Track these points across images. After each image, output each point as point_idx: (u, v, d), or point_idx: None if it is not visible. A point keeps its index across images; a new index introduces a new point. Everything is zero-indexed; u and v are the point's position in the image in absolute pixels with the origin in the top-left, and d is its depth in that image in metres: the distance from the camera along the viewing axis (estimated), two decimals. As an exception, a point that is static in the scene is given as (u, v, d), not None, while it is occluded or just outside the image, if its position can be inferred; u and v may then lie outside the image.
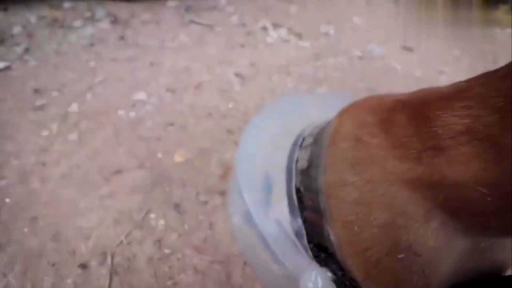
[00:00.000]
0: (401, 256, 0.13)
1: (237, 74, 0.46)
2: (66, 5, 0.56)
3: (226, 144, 0.34)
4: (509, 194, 0.11)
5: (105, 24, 0.52)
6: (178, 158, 0.31)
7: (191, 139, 0.34)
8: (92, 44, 0.46)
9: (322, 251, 0.16)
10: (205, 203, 0.28)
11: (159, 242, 0.24)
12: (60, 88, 0.37)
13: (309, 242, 0.17)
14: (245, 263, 0.24)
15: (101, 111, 0.35)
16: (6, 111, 0.33)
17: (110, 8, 0.57)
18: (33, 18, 0.51)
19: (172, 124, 0.35)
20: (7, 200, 0.26)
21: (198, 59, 0.48)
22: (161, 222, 0.26)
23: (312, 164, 0.18)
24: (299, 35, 0.60)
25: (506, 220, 0.12)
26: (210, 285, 0.22)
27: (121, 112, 0.35)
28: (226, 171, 0.31)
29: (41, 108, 0.34)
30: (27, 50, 0.42)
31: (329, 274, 0.16)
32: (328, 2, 0.79)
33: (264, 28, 0.60)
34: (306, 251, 0.17)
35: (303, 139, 0.21)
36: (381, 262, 0.14)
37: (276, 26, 0.62)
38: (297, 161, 0.19)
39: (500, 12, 1.08)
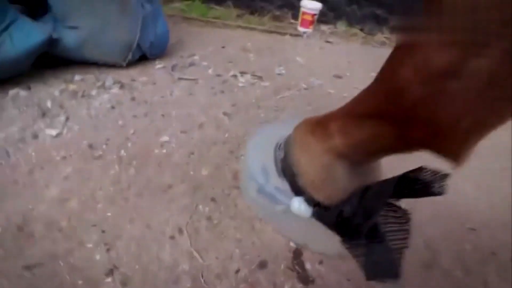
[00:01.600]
0: (325, 180, 0.33)
1: (224, 113, 0.65)
2: (77, 77, 0.71)
3: (231, 160, 0.52)
4: (358, 147, 0.31)
5: (115, 90, 0.69)
6: (204, 172, 0.49)
7: (208, 160, 0.52)
8: (113, 107, 0.63)
9: (296, 191, 0.35)
10: (229, 194, 0.45)
11: (209, 218, 0.41)
12: (107, 142, 0.53)
13: (291, 189, 0.36)
14: (260, 219, 0.42)
15: (142, 152, 0.51)
16: (74, 163, 0.48)
17: (114, 76, 0.74)
18: (56, 92, 0.65)
19: (192, 153, 0.53)
20: (109, 213, 0.41)
21: (194, 106, 0.66)
22: (206, 208, 0.43)
23: (286, 154, 0.38)
24: (260, 78, 0.82)
25: (364, 155, 0.32)
26: (244, 233, 0.40)
27: (156, 151, 0.52)
28: (236, 173, 0.49)
29: (100, 157, 0.49)
30: (67, 118, 0.57)
31: (303, 198, 0.35)
32: (277, 49, 1.04)
33: (235, 76, 0.81)
34: (291, 195, 0.36)
35: (280, 145, 0.41)
36: (319, 186, 0.33)
37: (243, 73, 0.83)
38: (279, 155, 0.39)
39: (386, 34, 1.44)
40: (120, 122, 0.58)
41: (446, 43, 0.21)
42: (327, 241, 0.38)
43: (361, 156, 0.32)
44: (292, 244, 0.39)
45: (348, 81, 0.89)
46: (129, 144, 0.53)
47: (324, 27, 1.39)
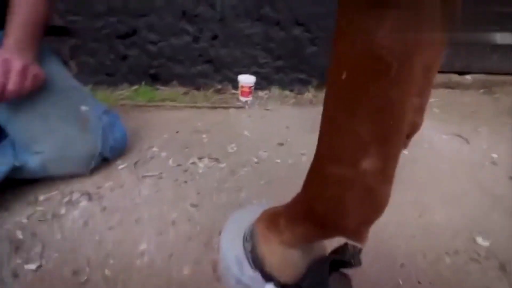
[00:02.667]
0: (285, 265, 0.44)
1: (192, 205, 0.74)
2: (41, 197, 0.74)
3: (207, 252, 0.61)
4: (300, 238, 0.44)
5: (84, 203, 0.73)
6: (186, 271, 0.56)
7: (187, 257, 0.59)
8: (86, 223, 0.67)
9: (267, 277, 0.46)
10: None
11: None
12: (88, 263, 0.57)
13: (262, 276, 0.46)
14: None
15: (125, 267, 0.57)
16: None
17: (79, 187, 0.78)
18: (24, 219, 0.67)
19: (172, 255, 0.60)
20: None
21: (163, 203, 0.74)
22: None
23: (253, 247, 0.48)
24: (217, 160, 0.94)
25: (306, 242, 0.44)
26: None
27: (138, 262, 0.58)
28: (215, 265, 0.57)
29: (87, 282, 0.53)
30: (44, 247, 0.60)
31: (273, 283, 0.45)
32: (225, 125, 1.20)
33: (194, 163, 0.92)
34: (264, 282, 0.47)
35: (246, 237, 0.52)
36: (281, 269, 0.45)
37: (200, 158, 0.95)
38: (247, 247, 0.50)
39: (312, 92, 1.73)
40: (97, 238, 0.63)
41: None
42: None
43: (305, 242, 0.44)
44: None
45: (290, 148, 1.06)
46: (111, 261, 0.58)
47: (261, 93, 1.62)
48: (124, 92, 1.52)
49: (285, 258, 0.45)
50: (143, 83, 1.60)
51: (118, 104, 1.35)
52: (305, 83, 1.72)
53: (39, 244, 0.60)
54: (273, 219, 0.48)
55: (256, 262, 0.47)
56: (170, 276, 0.55)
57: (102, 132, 0.82)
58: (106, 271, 0.56)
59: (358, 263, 0.40)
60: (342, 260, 0.41)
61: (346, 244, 0.44)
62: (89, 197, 0.75)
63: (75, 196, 0.75)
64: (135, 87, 1.59)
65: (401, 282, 0.57)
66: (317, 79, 1.73)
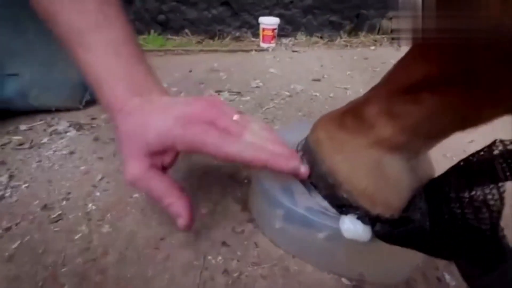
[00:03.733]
0: (380, 184, 0.25)
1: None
2: (23, 127, 0.58)
3: (233, 187, 0.42)
4: (416, 131, 0.23)
5: (72, 133, 0.57)
6: (203, 210, 0.38)
7: (205, 193, 0.41)
8: (72, 152, 0.50)
9: (341, 207, 0.26)
10: (242, 231, 0.35)
11: (226, 272, 0.30)
12: (67, 197, 0.40)
13: (333, 206, 0.27)
14: (293, 256, 0.32)
15: (116, 201, 0.40)
16: (25, 233, 0.35)
17: (68, 118, 0.62)
18: (-5, 149, 0.52)
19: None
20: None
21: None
22: (219, 258, 0.32)
23: (311, 164, 0.29)
24: (239, 93, 0.75)
25: (424, 140, 0.24)
26: (279, 281, 0.29)
27: (136, 195, 0.40)
28: (244, 203, 0.39)
29: (59, 218, 0.37)
30: (11, 177, 0.44)
31: (355, 215, 0.26)
32: (247, 65, 0.99)
33: (211, 96, 0.73)
34: (332, 213, 0.27)
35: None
36: (374, 193, 0.25)
37: (218, 91, 0.76)
38: None
39: (362, 36, 1.49)
40: (82, 168, 0.46)
41: None
42: (389, 266, 0.29)
43: (420, 142, 0.24)
44: (345, 281, 0.30)
45: (328, 83, 0.85)
46: (98, 194, 0.41)
47: (285, 40, 1.39)
48: (131, 39, 1.33)
49: (377, 171, 0.25)
50: (152, 31, 1.40)
51: (123, 50, 1.16)
52: (336, 27, 1.46)
53: (6, 174, 0.44)
54: (349, 113, 0.28)
55: (321, 185, 0.28)
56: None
57: (95, 51, 0.64)
58: (90, 206, 0.39)
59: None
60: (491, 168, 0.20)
61: (492, 145, 0.23)
62: (79, 127, 0.58)
63: (63, 126, 0.58)
64: (143, 36, 1.39)
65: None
66: (351, 21, 1.46)
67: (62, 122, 0.60)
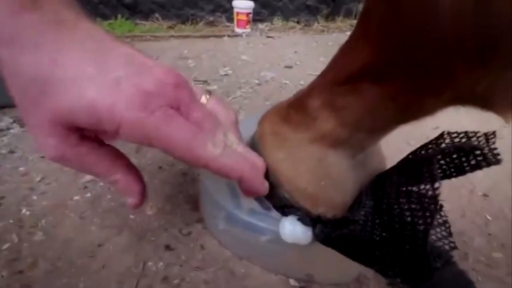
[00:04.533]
0: (323, 182, 0.23)
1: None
2: (-41, 125, 0.53)
3: (186, 184, 0.40)
4: (360, 123, 0.21)
5: (16, 130, 0.52)
6: (150, 210, 0.35)
7: (154, 191, 0.38)
8: (12, 152, 0.46)
9: (284, 208, 0.24)
10: (189, 233, 0.33)
11: (166, 279, 0.28)
12: (0, 202, 0.36)
13: (275, 208, 0.25)
14: (240, 258, 0.30)
15: (54, 205, 0.36)
16: None
17: (12, 114, 0.56)
18: None
19: (131, 188, 0.39)
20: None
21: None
22: (160, 264, 0.29)
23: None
24: (205, 82, 0.71)
25: (369, 133, 0.22)
26: (222, 286, 0.27)
27: (76, 198, 0.37)
28: (196, 201, 0.36)
29: (-13, 227, 0.33)
30: None
31: (295, 217, 0.24)
32: (218, 51, 0.95)
33: (174, 86, 0.69)
34: (275, 215, 0.25)
35: None
36: (316, 192, 0.23)
37: (183, 81, 0.71)
38: None
39: (339, 21, 1.46)
40: (21, 169, 0.42)
41: None
42: (338, 264, 0.27)
43: (363, 136, 0.22)
44: (293, 282, 0.28)
45: (300, 70, 0.82)
46: (34, 197, 0.37)
47: (261, 25, 1.34)
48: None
49: (319, 168, 0.23)
50: (119, 16, 1.31)
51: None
52: (313, 11, 1.42)
53: None
54: (294, 104, 0.26)
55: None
56: (123, 217, 0.34)
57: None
58: (24, 210, 0.35)
59: (497, 160, 0.18)
60: (475, 147, 0.18)
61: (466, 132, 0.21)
62: (24, 124, 0.53)
63: (5, 122, 0.53)
64: (110, 21, 1.30)
65: None
66: (328, 5, 1.43)
67: (5, 118, 0.54)
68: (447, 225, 0.22)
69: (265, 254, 0.27)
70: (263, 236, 0.25)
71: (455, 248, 0.20)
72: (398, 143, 0.51)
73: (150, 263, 0.29)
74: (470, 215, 0.38)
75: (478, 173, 0.42)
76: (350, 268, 0.28)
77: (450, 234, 0.21)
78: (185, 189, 0.39)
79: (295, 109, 0.25)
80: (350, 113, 0.21)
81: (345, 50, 0.22)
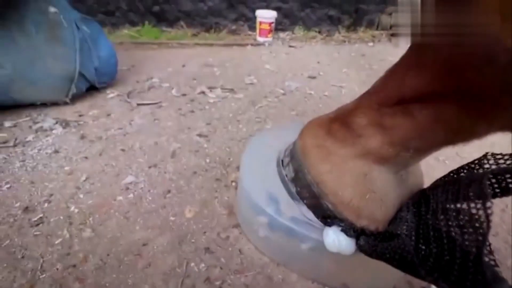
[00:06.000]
0: (366, 196, 0.24)
1: (200, 135, 0.55)
2: (7, 124, 0.57)
3: (220, 190, 0.42)
4: (406, 143, 0.22)
5: (59, 130, 0.55)
6: (188, 214, 0.37)
7: (190, 196, 0.40)
8: (56, 151, 0.49)
9: (326, 218, 0.26)
10: (227, 237, 0.34)
11: (208, 280, 0.29)
12: (49, 199, 0.39)
13: (317, 217, 0.26)
14: (278, 264, 0.31)
15: (100, 204, 0.39)
16: (5, 237, 0.34)
17: (54, 115, 0.60)
18: (-23, 147, 0.50)
19: (169, 191, 0.41)
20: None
21: (161, 133, 0.55)
22: (202, 265, 0.31)
23: (297, 172, 0.28)
24: (232, 90, 0.73)
25: (414, 153, 0.23)
26: (262, 291, 0.29)
27: (119, 198, 0.40)
28: (230, 208, 0.38)
29: (40, 221, 0.36)
30: (-8, 177, 0.43)
31: (339, 227, 0.25)
32: (242, 60, 0.97)
33: (203, 92, 0.72)
34: (318, 225, 0.26)
35: (282, 161, 0.31)
36: (360, 205, 0.24)
37: (211, 88, 0.74)
38: (286, 175, 0.29)
39: (360, 31, 1.46)
40: (66, 169, 0.45)
41: None
42: (374, 276, 0.28)
43: (409, 155, 0.23)
44: (329, 291, 0.29)
45: (323, 81, 0.83)
46: (81, 195, 0.40)
47: (282, 35, 1.37)
48: (125, 32, 1.30)
49: (364, 182, 0.24)
50: (146, 23, 1.37)
51: (116, 43, 1.14)
52: (334, 21, 1.43)
53: (-14, 174, 0.43)
54: (337, 120, 0.27)
55: (306, 195, 0.27)
56: (164, 219, 0.36)
57: (80, 45, 0.62)
58: (73, 208, 0.38)
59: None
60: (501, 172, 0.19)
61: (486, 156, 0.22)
62: (66, 124, 0.57)
63: (48, 123, 0.57)
64: (138, 28, 1.36)
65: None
66: (350, 16, 1.44)
67: (48, 119, 0.58)
68: (487, 242, 0.23)
69: (304, 262, 0.29)
70: (303, 243, 0.27)
71: (497, 266, 0.21)
72: (428, 159, 0.51)
73: (192, 264, 0.31)
74: (503, 235, 0.38)
75: (511, 192, 0.42)
76: (385, 279, 0.29)
77: (491, 252, 0.22)
78: (220, 195, 0.41)
79: (339, 125, 0.26)
80: (398, 133, 0.22)
81: (395, 72, 0.23)
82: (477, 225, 0.18)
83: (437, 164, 0.51)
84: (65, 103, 0.63)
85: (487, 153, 0.23)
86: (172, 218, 0.37)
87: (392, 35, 1.37)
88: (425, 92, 0.20)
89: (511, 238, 0.38)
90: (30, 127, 0.56)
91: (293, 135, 0.32)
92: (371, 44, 1.29)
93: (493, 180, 0.21)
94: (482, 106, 0.18)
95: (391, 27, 1.41)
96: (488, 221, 0.17)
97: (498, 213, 0.40)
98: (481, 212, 0.18)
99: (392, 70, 0.23)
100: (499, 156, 0.22)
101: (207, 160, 0.48)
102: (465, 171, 0.24)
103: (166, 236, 0.34)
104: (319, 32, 1.42)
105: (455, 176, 0.24)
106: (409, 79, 0.21)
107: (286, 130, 0.38)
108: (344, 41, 1.33)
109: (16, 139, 0.52)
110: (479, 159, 0.23)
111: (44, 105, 0.62)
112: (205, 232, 0.35)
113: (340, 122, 0.26)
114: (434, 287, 0.30)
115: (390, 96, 0.22)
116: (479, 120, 0.19)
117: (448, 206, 0.21)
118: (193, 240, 0.34)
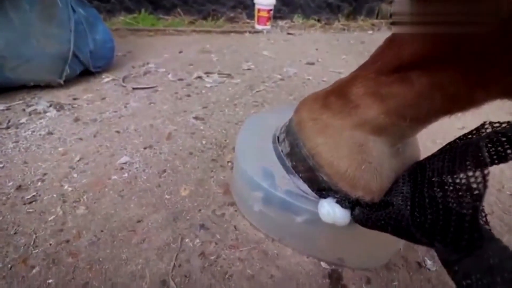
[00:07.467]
0: (362, 167, 0.23)
1: (196, 117, 0.54)
2: (0, 107, 0.56)
3: (216, 170, 0.41)
4: (403, 112, 0.22)
5: (52, 113, 0.55)
6: (184, 192, 0.37)
7: (186, 175, 0.40)
8: (50, 133, 0.49)
9: (322, 191, 0.25)
10: (223, 214, 0.34)
11: (203, 254, 0.29)
12: (43, 178, 0.39)
13: (312, 190, 0.26)
14: (273, 240, 0.31)
15: (94, 183, 0.38)
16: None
17: (48, 98, 0.59)
18: (-30, 129, 0.50)
19: (164, 171, 0.41)
20: (50, 280, 0.27)
21: (157, 116, 0.54)
22: (197, 241, 0.31)
23: (293, 146, 0.28)
24: (229, 75, 0.72)
25: (411, 122, 0.23)
26: (256, 265, 0.28)
27: (114, 177, 0.39)
28: (226, 186, 0.38)
29: (33, 199, 0.35)
30: (-15, 157, 0.42)
31: (334, 199, 0.25)
32: (240, 46, 0.96)
33: (199, 77, 0.71)
34: (313, 197, 0.26)
35: (278, 137, 0.31)
36: (355, 176, 0.24)
37: (208, 73, 0.73)
38: (282, 151, 0.29)
39: (360, 20, 1.45)
40: (60, 149, 0.44)
41: None
42: (369, 250, 0.28)
43: (406, 125, 0.22)
44: (324, 265, 0.29)
45: (322, 67, 0.82)
46: (75, 175, 0.39)
47: (281, 23, 1.35)
48: (121, 18, 1.27)
49: (359, 153, 0.24)
50: (142, 10, 1.34)
51: (112, 29, 1.12)
52: (334, 9, 1.42)
53: (-21, 154, 0.42)
54: (334, 92, 0.26)
55: (301, 168, 0.27)
56: (158, 197, 0.36)
57: (76, 26, 0.60)
58: (66, 187, 0.37)
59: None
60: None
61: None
62: (60, 107, 0.56)
63: (42, 105, 0.56)
64: (134, 14, 1.34)
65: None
66: (350, 4, 1.42)
67: (41, 102, 0.57)
68: (483, 214, 0.22)
69: (299, 236, 0.28)
70: (298, 216, 0.26)
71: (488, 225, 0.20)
72: (424, 142, 0.51)
73: (187, 240, 0.31)
74: (499, 213, 0.38)
75: (507, 172, 0.42)
76: (380, 254, 0.29)
77: (487, 223, 0.22)
78: (216, 174, 0.40)
79: (336, 97, 0.26)
80: (395, 102, 0.22)
81: (392, 43, 0.22)
82: (474, 186, 0.17)
83: (434, 147, 0.51)
84: (59, 86, 0.62)
85: (485, 122, 0.22)
86: (167, 196, 0.36)
87: (392, 23, 1.35)
88: (423, 57, 0.19)
89: (507, 217, 0.38)
90: (24, 110, 0.55)
91: (289, 115, 0.31)
92: (370, 32, 1.28)
93: (490, 145, 0.21)
94: (481, 70, 0.18)
95: (391, 15, 1.40)
96: (485, 181, 0.17)
97: (494, 193, 0.40)
98: (478, 174, 0.18)
99: (390, 38, 0.22)
100: (497, 124, 0.22)
101: (203, 142, 0.47)
102: (461, 142, 0.24)
103: (161, 213, 0.34)
104: (318, 20, 1.40)
105: (451, 147, 0.23)
106: (408, 46, 0.20)
107: (283, 112, 0.37)
108: (344, 29, 1.32)
109: (9, 121, 0.51)
110: (477, 128, 0.23)
111: (38, 87, 0.61)
112: (200, 210, 0.35)
113: (336, 94, 0.26)
114: (428, 261, 0.30)
115: (388, 64, 0.22)
116: (477, 87, 0.18)
117: (444, 171, 0.20)
118: (188, 217, 0.33)
